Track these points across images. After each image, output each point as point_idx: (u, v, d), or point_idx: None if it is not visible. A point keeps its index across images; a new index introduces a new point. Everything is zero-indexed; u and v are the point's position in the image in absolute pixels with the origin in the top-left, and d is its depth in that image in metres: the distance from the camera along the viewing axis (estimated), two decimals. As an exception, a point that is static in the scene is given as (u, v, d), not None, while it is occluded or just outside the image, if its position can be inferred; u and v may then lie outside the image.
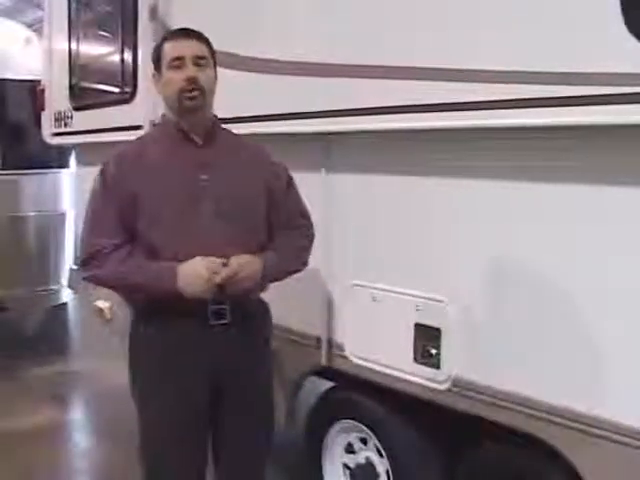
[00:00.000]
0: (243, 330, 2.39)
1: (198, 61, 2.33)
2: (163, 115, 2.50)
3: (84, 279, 2.43)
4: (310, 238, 2.60)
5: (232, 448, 2.52)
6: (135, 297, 2.44)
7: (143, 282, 2.30)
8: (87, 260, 2.38)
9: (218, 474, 2.58)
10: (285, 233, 2.50)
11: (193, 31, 2.40)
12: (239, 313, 2.35)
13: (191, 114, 2.36)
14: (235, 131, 2.60)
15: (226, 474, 2.57)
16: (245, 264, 2.28)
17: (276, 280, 2.47)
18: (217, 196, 2.35)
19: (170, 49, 2.35)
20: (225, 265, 2.25)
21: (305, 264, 2.58)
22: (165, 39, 2.43)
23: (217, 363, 2.39)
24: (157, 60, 2.39)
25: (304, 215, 2.60)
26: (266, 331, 2.57)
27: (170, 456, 2.43)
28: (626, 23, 1.88)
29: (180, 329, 2.35)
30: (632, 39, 1.87)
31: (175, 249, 2.30)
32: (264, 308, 2.56)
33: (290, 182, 2.57)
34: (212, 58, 2.39)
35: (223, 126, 2.52)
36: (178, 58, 2.32)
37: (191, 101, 2.33)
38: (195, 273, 2.23)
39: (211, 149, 2.42)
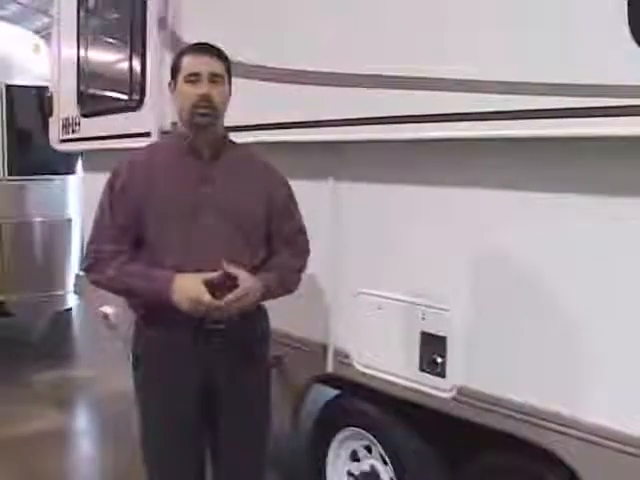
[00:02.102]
0: (241, 334, 2.42)
1: (214, 78, 2.36)
2: (174, 124, 2.53)
3: (90, 283, 2.48)
4: (306, 257, 2.62)
5: (229, 450, 2.54)
6: (135, 302, 2.48)
7: (140, 288, 2.35)
8: (90, 266, 2.44)
9: (216, 475, 2.60)
10: (284, 252, 2.52)
11: (213, 48, 2.43)
12: (237, 317, 2.36)
13: (201, 129, 2.40)
14: (244, 139, 2.62)
15: (224, 475, 2.58)
16: (251, 287, 2.30)
17: (269, 299, 2.49)
18: (219, 210, 2.39)
19: (188, 63, 2.39)
20: (220, 279, 2.27)
21: (299, 283, 2.59)
22: (185, 52, 2.47)
23: (214, 366, 2.42)
24: (175, 71, 2.44)
25: (302, 232, 2.62)
26: (264, 336, 2.60)
27: (169, 456, 2.47)
28: (632, 33, 1.90)
29: (178, 333, 2.38)
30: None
31: (176, 260, 2.35)
32: (262, 312, 2.58)
33: (291, 198, 2.59)
34: (228, 75, 2.43)
35: (234, 140, 2.54)
36: (195, 74, 2.36)
37: (203, 117, 2.37)
38: (188, 293, 2.26)
39: (217, 164, 2.45)
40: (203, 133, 2.42)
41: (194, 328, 2.36)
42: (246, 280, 2.30)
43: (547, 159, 2.24)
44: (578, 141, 2.10)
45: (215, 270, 2.27)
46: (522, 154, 2.31)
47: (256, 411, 2.57)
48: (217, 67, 2.39)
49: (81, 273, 5.68)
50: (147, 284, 2.33)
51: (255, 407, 2.56)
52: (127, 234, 2.38)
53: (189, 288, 2.25)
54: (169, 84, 2.49)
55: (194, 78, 2.36)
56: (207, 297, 2.23)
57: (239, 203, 2.43)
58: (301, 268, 2.60)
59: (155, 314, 2.42)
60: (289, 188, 2.59)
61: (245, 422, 2.52)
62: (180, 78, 2.40)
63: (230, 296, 2.25)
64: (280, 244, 2.53)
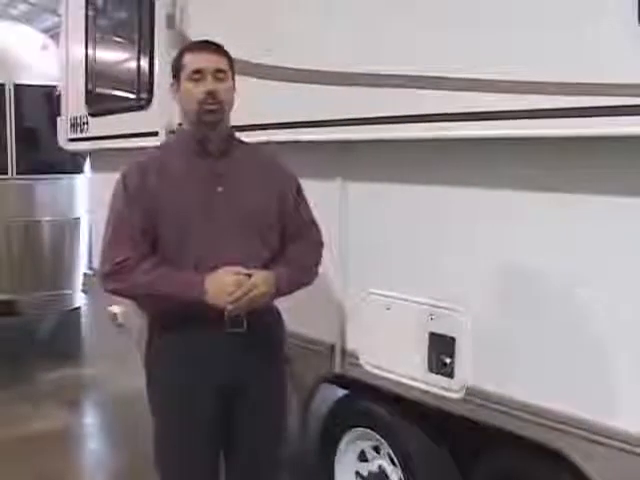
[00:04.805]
0: (258, 337, 2.40)
1: (218, 74, 2.35)
2: (180, 124, 2.52)
3: (106, 291, 2.42)
4: (320, 249, 2.61)
5: (244, 452, 2.53)
6: (158, 307, 2.44)
7: (169, 292, 2.31)
8: (110, 273, 2.37)
9: (231, 476, 2.58)
10: (297, 245, 2.51)
11: (214, 44, 2.42)
12: (254, 321, 2.36)
13: (209, 127, 2.39)
14: (254, 138, 2.61)
15: (241, 475, 2.57)
16: (261, 282, 2.29)
17: (287, 294, 2.47)
18: (232, 208, 2.39)
19: (191, 61, 2.37)
20: (249, 276, 2.27)
21: (316, 275, 2.59)
22: (185, 50, 2.45)
23: (232, 370, 2.41)
24: (176, 70, 2.42)
25: (314, 224, 2.61)
26: (280, 339, 2.60)
27: (184, 458, 2.44)
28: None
29: (196, 336, 2.37)
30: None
31: (192, 259, 2.34)
32: (278, 316, 2.58)
33: (300, 192, 2.59)
34: (231, 71, 2.41)
35: (239, 137, 2.54)
36: (199, 71, 2.34)
37: (210, 115, 2.35)
38: (222, 286, 2.25)
39: (227, 161, 2.44)
40: (211, 130, 2.40)
41: (214, 332, 2.34)
42: (256, 274, 2.29)
43: (557, 159, 2.23)
44: (587, 141, 2.09)
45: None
46: (529, 153, 2.30)
47: (273, 411, 2.56)
48: (221, 63, 2.37)
49: (89, 272, 5.71)
50: (177, 289, 2.30)
51: (272, 407, 2.55)
52: (146, 237, 2.35)
53: (222, 281, 2.26)
54: (171, 85, 2.47)
55: (198, 76, 2.34)
56: (231, 288, 2.24)
57: (251, 201, 2.42)
58: (315, 260, 2.58)
59: (170, 319, 2.40)
60: (298, 183, 2.58)
61: (262, 423, 2.51)
62: (183, 76, 2.38)
63: (238, 292, 2.24)
64: (293, 238, 2.52)
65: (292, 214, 2.52)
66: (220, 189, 2.39)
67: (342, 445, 3.20)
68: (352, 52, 2.76)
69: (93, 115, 4.81)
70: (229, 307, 2.26)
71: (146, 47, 4.14)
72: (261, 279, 2.29)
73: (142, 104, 4.18)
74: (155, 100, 4.05)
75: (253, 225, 2.41)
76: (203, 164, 2.42)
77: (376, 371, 2.88)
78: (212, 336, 2.35)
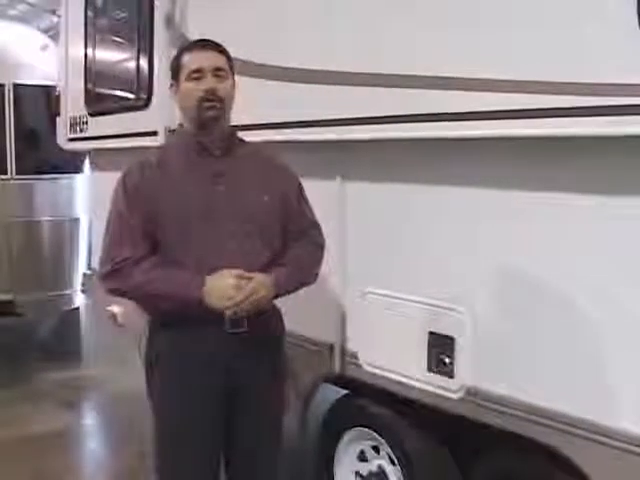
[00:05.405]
0: (259, 337, 2.41)
1: (217, 72, 2.35)
2: (180, 125, 2.52)
3: (106, 291, 2.42)
4: (321, 249, 2.61)
5: (244, 452, 2.53)
6: (158, 307, 2.43)
7: (169, 292, 2.31)
8: (110, 273, 2.37)
9: (231, 475, 2.59)
10: (298, 246, 2.51)
11: (212, 42, 2.42)
12: (255, 321, 2.36)
13: (210, 125, 2.38)
14: (252, 138, 2.61)
15: (241, 475, 2.57)
16: (261, 286, 2.29)
17: (288, 294, 2.47)
18: (233, 207, 2.38)
19: (189, 61, 2.38)
20: (249, 279, 2.27)
21: (316, 276, 2.59)
22: (184, 50, 2.46)
23: (232, 370, 2.41)
24: (176, 71, 2.42)
25: (315, 225, 2.61)
26: (281, 339, 2.60)
27: (186, 457, 2.45)
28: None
29: (196, 336, 2.37)
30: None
31: (193, 259, 2.34)
32: (279, 316, 2.58)
33: (302, 193, 2.59)
34: (230, 69, 2.42)
35: (240, 136, 2.54)
36: (198, 70, 2.35)
37: (210, 111, 2.35)
38: (222, 290, 2.25)
39: (228, 161, 2.44)
40: (211, 129, 2.40)
41: (214, 332, 2.35)
42: (254, 278, 2.28)
43: (558, 159, 2.23)
44: (588, 141, 2.09)
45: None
46: (530, 153, 2.30)
47: (272, 412, 2.56)
48: (219, 61, 2.38)
49: (88, 272, 5.71)
50: (177, 289, 2.30)
51: (272, 408, 2.56)
52: (146, 237, 2.35)
53: (222, 285, 2.25)
54: (170, 85, 2.48)
55: (198, 74, 2.34)
56: (232, 292, 2.23)
57: (252, 200, 2.42)
58: (316, 261, 2.58)
59: (170, 319, 2.40)
60: (300, 184, 2.59)
61: (261, 423, 2.51)
62: (182, 76, 2.38)
63: (238, 297, 2.24)
64: (294, 239, 2.52)
65: (294, 215, 2.52)
66: (221, 188, 2.39)
67: (342, 445, 3.20)
68: (351, 51, 2.76)
69: (92, 115, 4.81)
70: (228, 312, 2.26)
71: (145, 47, 4.14)
72: (261, 283, 2.29)
73: (141, 104, 4.18)
74: (154, 100, 4.05)
75: (254, 225, 2.41)
76: (204, 163, 2.42)
77: (376, 371, 2.88)
78: (212, 336, 2.36)
